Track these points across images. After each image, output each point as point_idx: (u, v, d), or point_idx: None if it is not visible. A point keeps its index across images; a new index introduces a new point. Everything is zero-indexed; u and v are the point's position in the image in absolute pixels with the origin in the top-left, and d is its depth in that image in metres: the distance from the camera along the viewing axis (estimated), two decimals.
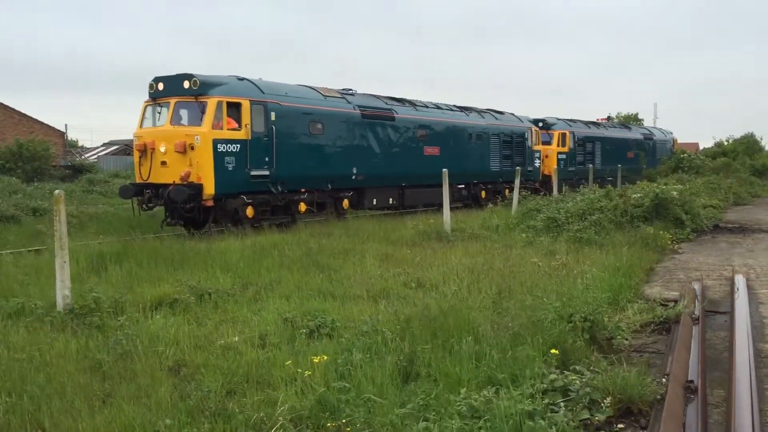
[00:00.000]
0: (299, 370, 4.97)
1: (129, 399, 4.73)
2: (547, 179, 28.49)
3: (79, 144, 63.37)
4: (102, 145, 59.15)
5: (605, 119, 41.91)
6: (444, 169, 15.37)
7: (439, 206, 19.71)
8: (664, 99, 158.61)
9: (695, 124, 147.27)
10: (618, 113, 68.47)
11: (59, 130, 44.12)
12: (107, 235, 14.29)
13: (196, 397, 4.71)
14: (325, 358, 5.17)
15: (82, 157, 48.11)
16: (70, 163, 39.37)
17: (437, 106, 23.33)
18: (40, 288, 8.19)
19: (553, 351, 5.21)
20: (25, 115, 41.20)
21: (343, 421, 4.24)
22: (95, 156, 50.76)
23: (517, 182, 19.52)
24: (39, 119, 41.89)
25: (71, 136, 62.10)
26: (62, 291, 7.24)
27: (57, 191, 7.71)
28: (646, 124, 60.35)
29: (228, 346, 5.87)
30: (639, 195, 15.12)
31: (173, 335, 6.25)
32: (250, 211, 15.87)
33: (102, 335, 6.35)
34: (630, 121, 62.66)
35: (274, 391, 4.76)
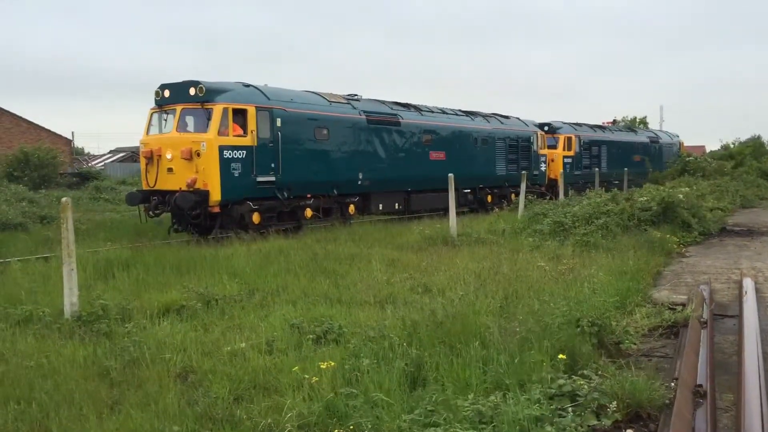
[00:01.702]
0: (306, 376, 4.97)
1: (137, 406, 4.74)
2: (553, 183, 28.46)
3: (86, 151, 63.61)
4: (109, 152, 59.39)
5: (611, 123, 41.87)
6: (450, 174, 15.35)
7: (446, 211, 19.68)
8: (670, 102, 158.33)
9: (702, 127, 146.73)
10: (624, 117, 68.36)
11: (66, 138, 44.33)
12: (115, 242, 14.33)
13: (204, 403, 4.71)
14: (333, 363, 5.17)
15: (89, 164, 48.30)
16: (77, 171, 39.51)
17: (443, 111, 23.36)
18: (48, 295, 8.22)
19: (561, 356, 5.19)
20: (32, 123, 41.43)
21: (351, 427, 4.24)
22: (102, 163, 50.96)
23: (523, 186, 19.50)
24: (46, 127, 42.14)
25: (77, 143, 62.37)
26: (70, 298, 7.27)
27: (64, 198, 7.75)
28: (652, 127, 60.21)
29: (235, 353, 5.87)
30: (645, 198, 15.09)
31: (180, 342, 6.26)
32: (256, 217, 15.90)
33: (109, 342, 6.37)
34: (636, 124, 62.53)
35: (281, 398, 4.76)
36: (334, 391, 4.72)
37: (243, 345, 6.05)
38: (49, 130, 42.23)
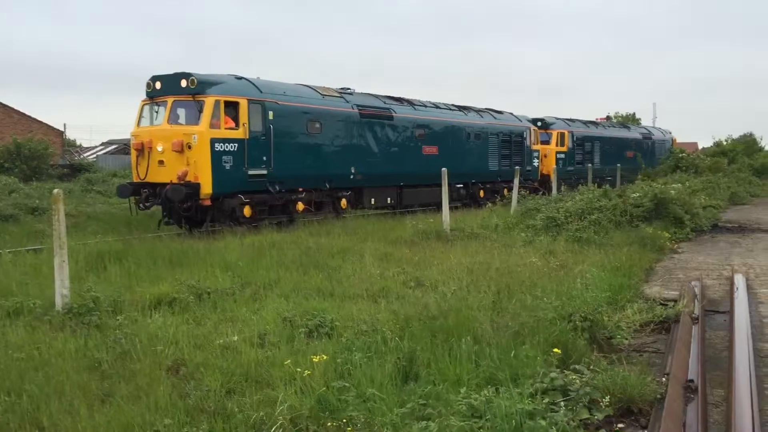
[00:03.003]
0: (299, 369, 4.95)
1: (128, 398, 4.72)
2: (545, 179, 28.47)
3: (78, 143, 63.26)
4: (101, 145, 59.10)
5: (604, 119, 41.95)
6: (443, 169, 15.35)
7: (438, 206, 19.62)
8: (663, 99, 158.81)
9: (694, 124, 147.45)
10: (617, 113, 68.54)
11: (58, 129, 44.09)
12: (106, 234, 14.27)
13: (196, 396, 4.69)
14: (325, 357, 5.16)
15: (81, 156, 48.04)
16: (68, 163, 39.30)
17: (436, 106, 23.32)
18: (39, 287, 8.17)
19: (555, 350, 5.21)
20: (24, 114, 41.17)
21: (344, 420, 4.23)
22: (94, 155, 50.71)
23: (516, 182, 19.53)
24: (38, 118, 41.89)
25: (70, 135, 62.05)
26: (61, 290, 7.23)
27: (56, 190, 7.69)
28: (645, 123, 60.42)
29: (227, 346, 5.85)
30: (638, 194, 15.13)
31: (172, 334, 6.23)
32: (247, 211, 15.79)
33: (101, 334, 6.33)
34: (629, 120, 62.72)
35: (273, 391, 4.74)
36: (326, 384, 4.72)
37: (235, 338, 6.03)
38: (40, 122, 41.98)
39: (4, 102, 40.53)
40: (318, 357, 5.12)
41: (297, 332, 6.18)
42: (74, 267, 8.83)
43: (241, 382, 5.06)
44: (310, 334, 6.21)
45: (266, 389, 4.84)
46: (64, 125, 57.99)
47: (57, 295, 7.24)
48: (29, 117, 41.46)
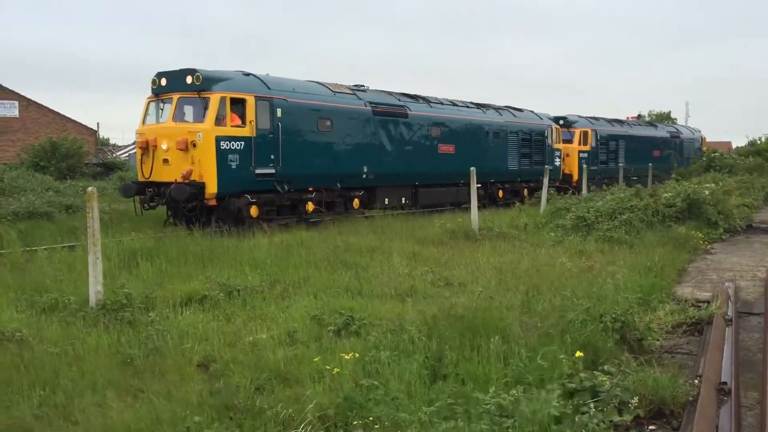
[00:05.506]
0: (327, 367, 4.98)
1: (159, 394, 4.78)
2: (567, 178, 27.98)
3: (111, 142, 64.20)
4: (133, 143, 59.88)
5: (635, 117, 41.29)
6: (472, 168, 15.12)
7: (454, 206, 19.40)
8: (697, 97, 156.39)
9: (730, 122, 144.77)
10: (650, 111, 67.62)
11: (91, 128, 44.81)
12: (139, 231, 14.44)
13: (225, 393, 4.74)
14: (352, 355, 5.18)
15: (114, 154, 48.77)
16: (101, 161, 39.91)
17: (452, 103, 22.67)
18: (74, 284, 8.31)
19: (578, 353, 5.15)
20: (58, 114, 41.91)
21: (371, 418, 4.25)
22: (126, 154, 51.44)
23: (545, 181, 19.35)
24: (72, 117, 42.62)
25: (102, 134, 62.92)
26: (95, 287, 7.35)
27: (90, 188, 7.82)
28: (679, 122, 59.54)
29: (256, 343, 5.90)
30: (670, 194, 14.93)
31: (202, 331, 6.31)
32: (254, 211, 15.34)
33: (133, 331, 6.44)
34: (663, 119, 61.83)
35: (302, 388, 4.78)
36: (354, 382, 4.73)
37: (264, 336, 6.08)
38: (74, 121, 42.68)
39: (39, 101, 41.31)
40: (349, 354, 5.14)
41: (325, 330, 6.22)
42: (107, 264, 8.98)
43: (270, 379, 5.11)
44: (338, 332, 6.23)
45: (295, 387, 4.88)
46: (98, 124, 58.80)
47: (91, 292, 7.37)
48: (63, 116, 42.18)
